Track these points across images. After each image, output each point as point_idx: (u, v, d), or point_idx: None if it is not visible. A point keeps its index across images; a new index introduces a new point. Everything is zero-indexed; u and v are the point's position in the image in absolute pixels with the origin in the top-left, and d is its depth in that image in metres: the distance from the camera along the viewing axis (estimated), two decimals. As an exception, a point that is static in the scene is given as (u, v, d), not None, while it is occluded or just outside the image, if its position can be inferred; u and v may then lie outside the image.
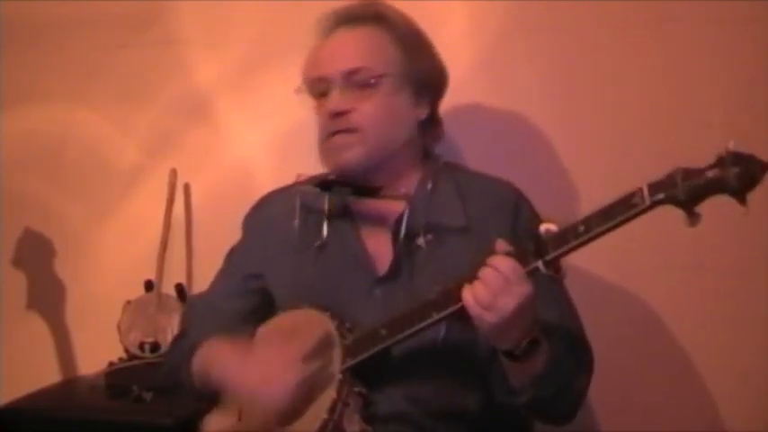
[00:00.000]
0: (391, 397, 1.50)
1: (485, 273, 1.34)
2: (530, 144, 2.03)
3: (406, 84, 1.60)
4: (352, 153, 1.57)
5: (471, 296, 1.34)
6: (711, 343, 1.95)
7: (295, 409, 1.47)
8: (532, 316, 1.36)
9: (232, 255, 1.75)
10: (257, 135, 2.18)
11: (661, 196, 1.26)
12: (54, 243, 2.31)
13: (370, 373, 1.48)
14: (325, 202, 1.62)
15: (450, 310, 1.38)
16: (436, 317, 1.40)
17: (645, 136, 1.97)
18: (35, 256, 2.31)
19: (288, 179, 1.77)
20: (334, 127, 1.57)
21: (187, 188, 2.26)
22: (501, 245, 1.37)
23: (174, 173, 2.21)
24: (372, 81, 1.57)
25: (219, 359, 1.56)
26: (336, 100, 1.57)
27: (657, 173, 1.95)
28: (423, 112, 1.63)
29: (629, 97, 1.98)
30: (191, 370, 1.62)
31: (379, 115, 1.57)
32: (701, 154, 1.93)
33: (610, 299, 1.98)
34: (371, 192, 1.58)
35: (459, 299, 1.36)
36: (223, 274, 1.75)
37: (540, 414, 1.55)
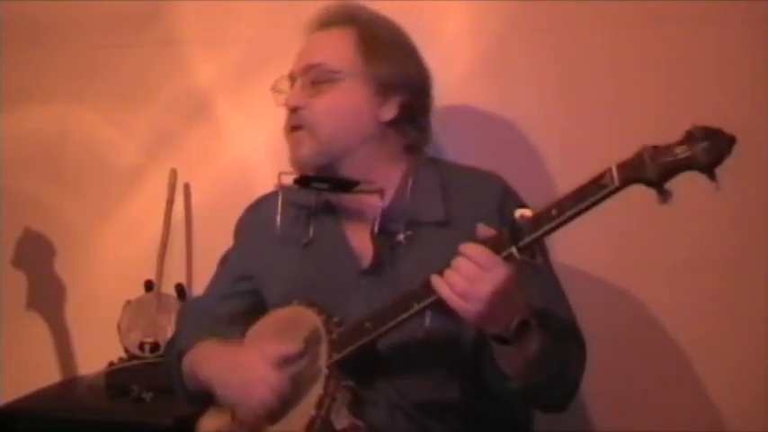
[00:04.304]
0: (381, 390, 1.51)
1: (458, 262, 1.34)
2: (529, 144, 2.03)
3: (366, 83, 1.59)
4: (305, 149, 1.59)
5: (445, 286, 1.34)
6: (710, 343, 1.95)
7: (284, 406, 1.47)
8: (518, 299, 1.36)
9: (225, 259, 1.78)
10: (257, 135, 2.18)
11: (630, 176, 1.25)
12: (54, 243, 2.32)
13: (359, 367, 1.49)
14: (309, 199, 1.64)
15: (430, 300, 1.38)
16: (417, 307, 1.40)
17: (644, 136, 1.96)
18: (35, 256, 2.32)
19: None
20: (290, 122, 1.61)
21: (187, 188, 2.26)
22: (482, 229, 1.36)
23: (173, 173, 2.22)
24: (327, 78, 1.59)
25: (207, 361, 1.58)
26: (291, 95, 1.61)
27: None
28: (388, 113, 1.61)
29: (628, 97, 1.97)
30: (181, 372, 1.63)
31: (330, 112, 1.59)
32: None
33: (608, 298, 1.98)
34: (346, 186, 1.59)
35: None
36: (216, 278, 1.77)
37: (533, 402, 1.55)
